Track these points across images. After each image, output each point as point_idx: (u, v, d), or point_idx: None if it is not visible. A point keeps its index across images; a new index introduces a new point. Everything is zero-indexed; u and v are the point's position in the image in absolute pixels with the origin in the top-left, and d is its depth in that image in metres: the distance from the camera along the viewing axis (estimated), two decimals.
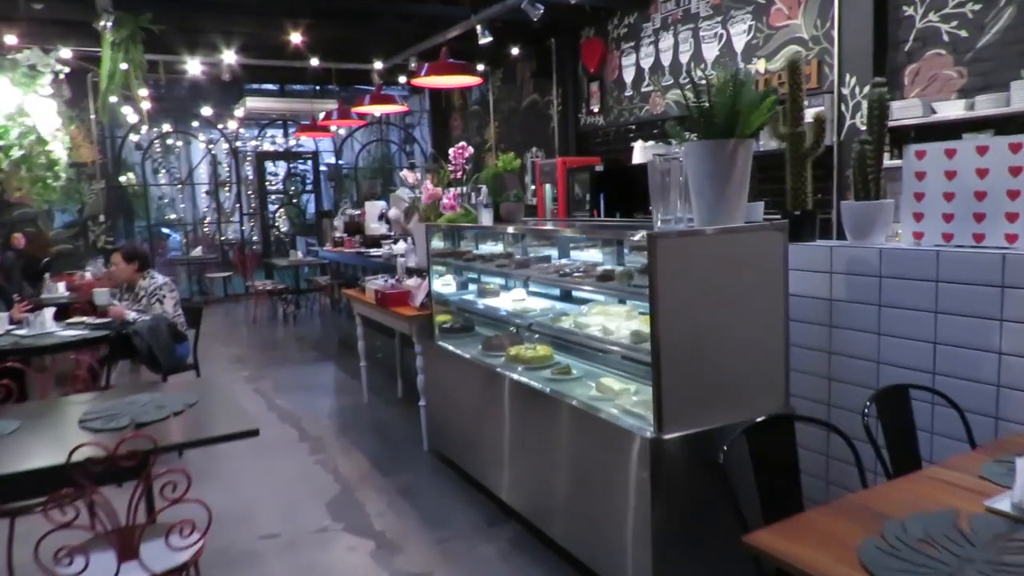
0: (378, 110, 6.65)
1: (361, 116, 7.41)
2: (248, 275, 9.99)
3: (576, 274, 3.18)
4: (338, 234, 7.52)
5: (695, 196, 2.66)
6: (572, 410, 2.97)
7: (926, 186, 2.78)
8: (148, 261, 5.28)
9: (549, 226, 3.88)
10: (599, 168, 8.10)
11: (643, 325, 2.75)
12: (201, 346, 5.28)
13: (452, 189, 4.89)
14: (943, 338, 2.62)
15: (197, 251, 12.29)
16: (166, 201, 13.61)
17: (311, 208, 13.34)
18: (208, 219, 13.19)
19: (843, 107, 5.74)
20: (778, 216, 3.05)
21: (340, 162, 13.34)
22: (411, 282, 4.92)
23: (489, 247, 4.64)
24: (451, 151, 5.09)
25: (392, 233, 7.91)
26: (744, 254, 2.66)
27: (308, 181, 13.12)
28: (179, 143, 14.26)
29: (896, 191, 3.00)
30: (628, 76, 8.30)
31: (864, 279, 2.87)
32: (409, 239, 5.59)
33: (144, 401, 2.81)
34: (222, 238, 12.92)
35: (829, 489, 3.10)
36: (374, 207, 7.92)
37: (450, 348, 4.20)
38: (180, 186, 13.27)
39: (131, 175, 12.32)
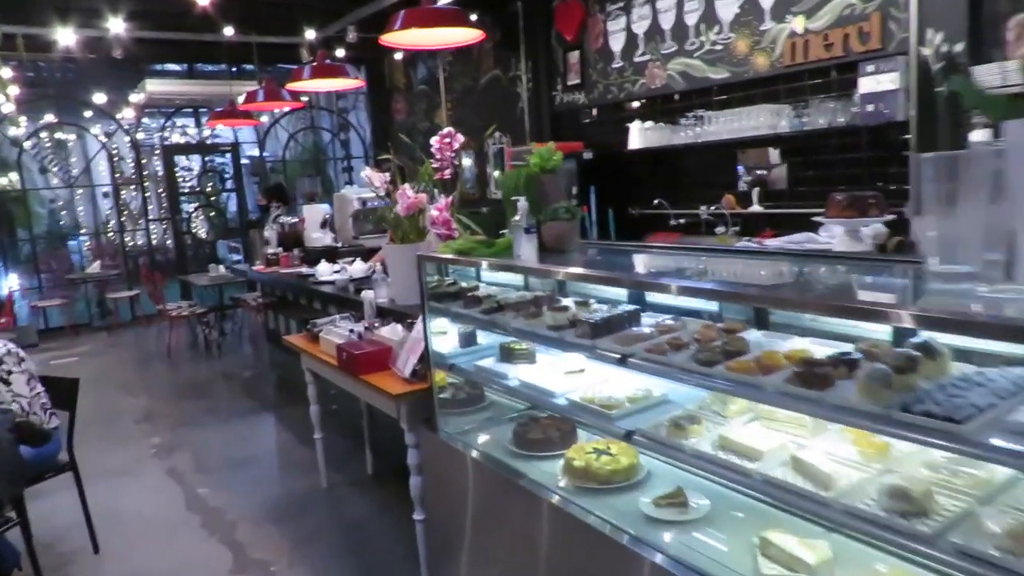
0: (324, 86, 5.04)
1: (295, 96, 5.77)
2: (159, 295, 8.21)
3: (731, 362, 1.77)
4: (271, 250, 5.91)
5: None
6: None
7: None
8: None
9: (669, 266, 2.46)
10: (587, 155, 6.74)
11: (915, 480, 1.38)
12: (99, 395, 3.71)
13: (443, 197, 3.40)
14: None
15: (95, 266, 10.30)
16: (59, 205, 11.53)
17: (232, 207, 11.49)
18: (112, 224, 11.20)
19: (922, 72, 4.50)
20: None
21: (264, 154, 11.52)
22: (387, 331, 3.42)
23: (506, 280, 3.19)
24: (434, 141, 3.61)
25: (339, 243, 6.33)
26: None
27: (228, 177, 11.26)
28: (71, 137, 12.15)
29: None
30: (616, 44, 6.91)
31: None
32: (376, 265, 4.07)
33: None
34: (128, 247, 10.96)
35: None
36: (315, 212, 6.32)
37: (461, 448, 2.76)
38: (70, 188, 11.19)
39: (12, 176, 10.23)
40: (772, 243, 3.40)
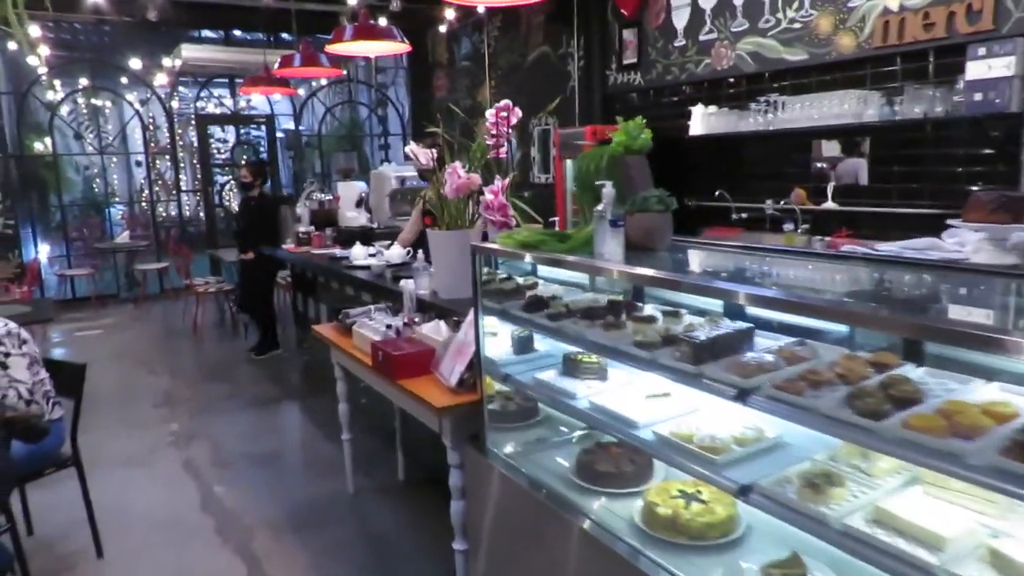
0: (367, 49, 4.50)
1: (335, 63, 5.31)
2: (187, 269, 7.90)
3: (908, 415, 1.31)
4: (302, 228, 5.53)
5: None
6: None
7: None
8: None
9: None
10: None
11: None
12: (120, 372, 3.37)
13: (498, 179, 2.97)
14: None
15: (124, 236, 10.05)
16: (93, 172, 11.31)
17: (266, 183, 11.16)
18: (145, 193, 10.96)
19: None
20: None
21: (300, 128, 11.17)
22: (429, 329, 3.01)
23: (564, 276, 2.76)
24: (489, 115, 3.17)
25: (374, 224, 5.94)
26: None
27: (262, 150, 10.93)
28: (108, 104, 11.92)
29: None
30: (679, 21, 6.39)
31: None
32: (418, 253, 3.66)
33: None
34: (160, 218, 10.70)
35: None
36: (351, 190, 5.92)
37: (511, 474, 2.35)
38: (101, 155, 10.95)
39: (46, 141, 10.00)
40: (886, 248, 2.93)
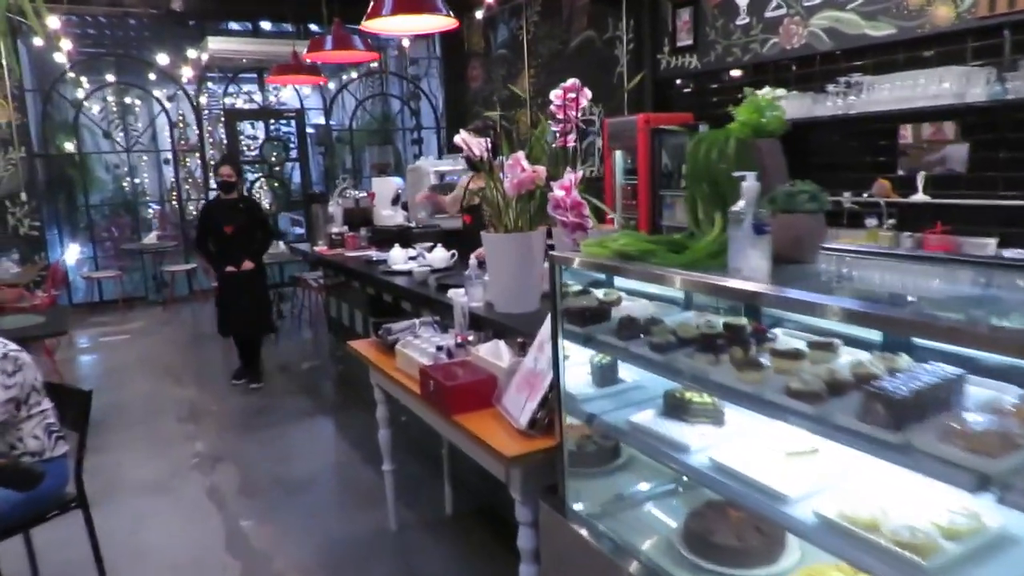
0: (408, 25, 3.79)
1: (369, 44, 4.75)
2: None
3: None
4: (335, 228, 5.10)
5: None
6: None
7: None
8: None
9: None
10: (703, 129, 5.70)
11: None
12: (145, 381, 3.06)
13: (569, 172, 2.48)
14: None
15: (151, 237, 9.76)
16: (123, 171, 11.06)
17: (296, 178, 10.80)
18: (174, 193, 10.67)
19: None
20: None
21: (330, 123, 10.78)
22: (487, 351, 2.53)
23: (645, 288, 2.27)
24: (554, 96, 2.69)
25: (412, 224, 5.49)
26: None
27: (292, 146, 10.56)
28: (137, 101, 11.66)
29: None
30: None
31: None
32: (471, 258, 3.19)
33: None
34: (190, 217, 10.40)
35: None
36: (386, 186, 5.48)
37: (595, 539, 1.87)
38: (127, 153, 10.68)
39: (74, 140, 9.72)
40: None
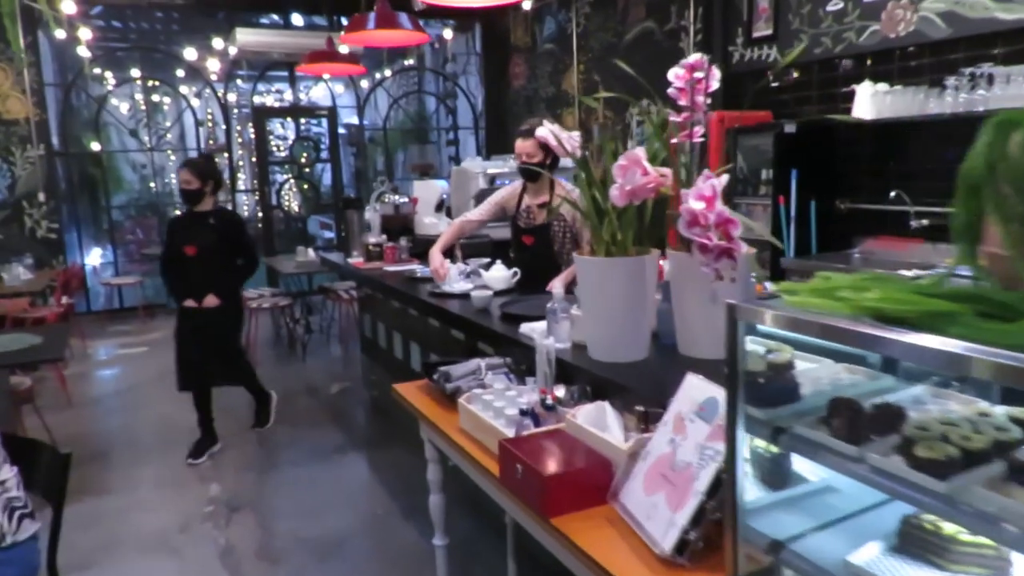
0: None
1: (416, 21, 4.02)
2: None
3: None
4: (372, 239, 4.47)
5: None
6: None
7: None
8: None
9: None
10: (789, 129, 5.04)
11: None
12: (159, 406, 2.85)
13: (704, 178, 1.81)
14: None
15: None
16: (150, 172, 10.61)
17: (327, 180, 10.24)
18: None
19: None
20: None
21: (363, 122, 10.20)
22: (587, 417, 1.87)
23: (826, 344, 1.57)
24: (673, 77, 2.02)
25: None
26: None
27: (323, 147, 10.01)
28: (166, 100, 11.23)
29: None
30: None
31: None
32: (555, 286, 2.52)
33: None
34: None
35: None
36: (429, 191, 4.84)
37: None
38: (152, 152, 10.21)
39: (96, 142, 9.26)
40: None
